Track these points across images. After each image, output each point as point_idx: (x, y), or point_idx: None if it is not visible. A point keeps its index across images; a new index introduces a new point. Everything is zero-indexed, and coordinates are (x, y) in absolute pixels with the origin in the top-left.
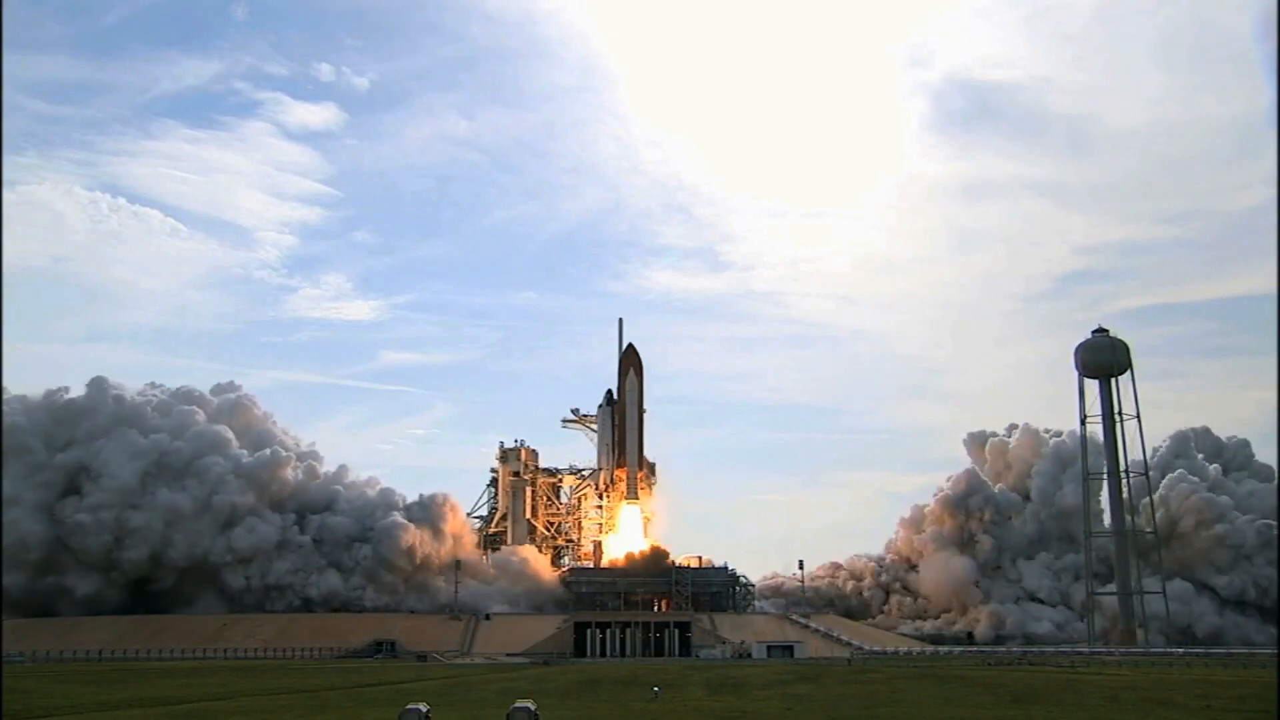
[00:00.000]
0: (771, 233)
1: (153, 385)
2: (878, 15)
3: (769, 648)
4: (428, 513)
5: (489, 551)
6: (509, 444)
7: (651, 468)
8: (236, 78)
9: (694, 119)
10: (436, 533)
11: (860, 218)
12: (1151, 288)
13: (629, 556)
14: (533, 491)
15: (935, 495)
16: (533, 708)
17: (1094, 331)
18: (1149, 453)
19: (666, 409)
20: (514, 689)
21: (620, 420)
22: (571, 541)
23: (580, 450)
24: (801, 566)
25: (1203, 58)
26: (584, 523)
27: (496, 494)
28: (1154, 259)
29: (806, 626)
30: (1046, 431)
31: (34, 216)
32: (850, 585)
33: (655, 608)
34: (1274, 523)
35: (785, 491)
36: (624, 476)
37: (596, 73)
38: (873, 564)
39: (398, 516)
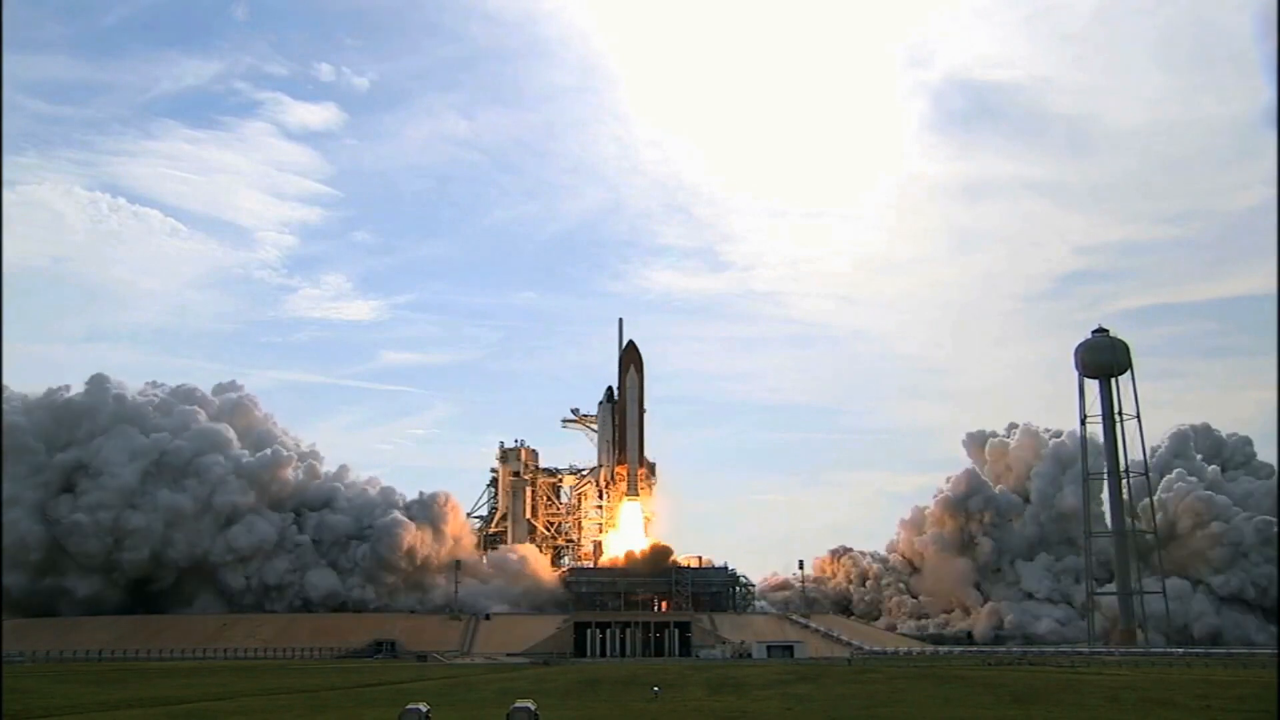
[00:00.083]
0: (771, 233)
1: (153, 385)
2: (878, 15)
3: (769, 648)
4: (428, 512)
5: (487, 551)
6: (509, 444)
7: (651, 468)
8: (236, 78)
9: (694, 119)
10: (436, 532)
11: (860, 218)
12: (1151, 288)
13: (629, 555)
14: (533, 491)
15: (935, 496)
16: (533, 708)
17: (1094, 331)
18: (1149, 452)
19: (666, 409)
20: (514, 689)
21: (621, 417)
22: (571, 541)
23: (580, 450)
24: (801, 566)
25: (1203, 58)
26: (584, 522)
27: (496, 494)
28: (1154, 259)
29: (806, 626)
30: (1046, 432)
31: (34, 216)
32: (852, 580)
33: (655, 608)
34: (1272, 519)
35: (785, 491)
36: (624, 473)
37: (596, 73)
38: (875, 565)
39: (397, 515)
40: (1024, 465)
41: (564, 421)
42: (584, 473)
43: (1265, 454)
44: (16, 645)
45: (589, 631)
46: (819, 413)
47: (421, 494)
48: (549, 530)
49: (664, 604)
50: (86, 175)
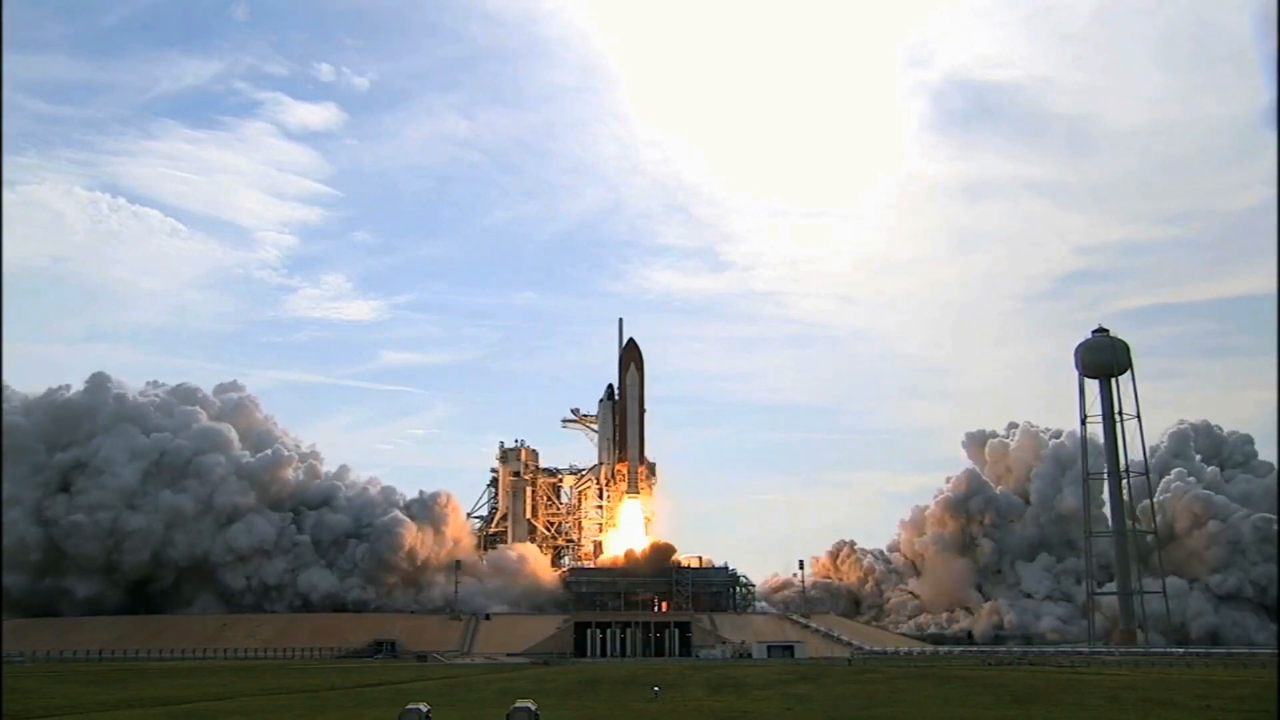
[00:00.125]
0: (771, 233)
1: (153, 384)
2: (878, 15)
3: (769, 648)
4: (428, 511)
5: (486, 551)
6: (509, 444)
7: (651, 468)
8: (236, 78)
9: (694, 119)
10: (436, 531)
11: (860, 218)
12: (1151, 288)
13: (629, 554)
14: (533, 491)
15: (936, 497)
16: (533, 708)
17: (1094, 331)
18: (1149, 452)
19: (666, 409)
20: (514, 689)
21: (621, 415)
22: (571, 541)
23: (580, 450)
24: (802, 566)
25: (1203, 58)
26: (584, 522)
27: (496, 494)
28: (1154, 259)
29: (806, 626)
30: (1045, 432)
31: (34, 216)
32: (860, 574)
33: (655, 608)
34: (1270, 517)
35: (785, 491)
36: (625, 471)
37: (596, 73)
38: (878, 565)
39: (397, 514)
40: (1024, 466)
41: (564, 421)
42: (584, 472)
43: (1266, 452)
44: (16, 645)
45: (589, 631)
46: (819, 413)
47: (422, 493)
48: (549, 530)
49: (664, 604)
50: (86, 175)
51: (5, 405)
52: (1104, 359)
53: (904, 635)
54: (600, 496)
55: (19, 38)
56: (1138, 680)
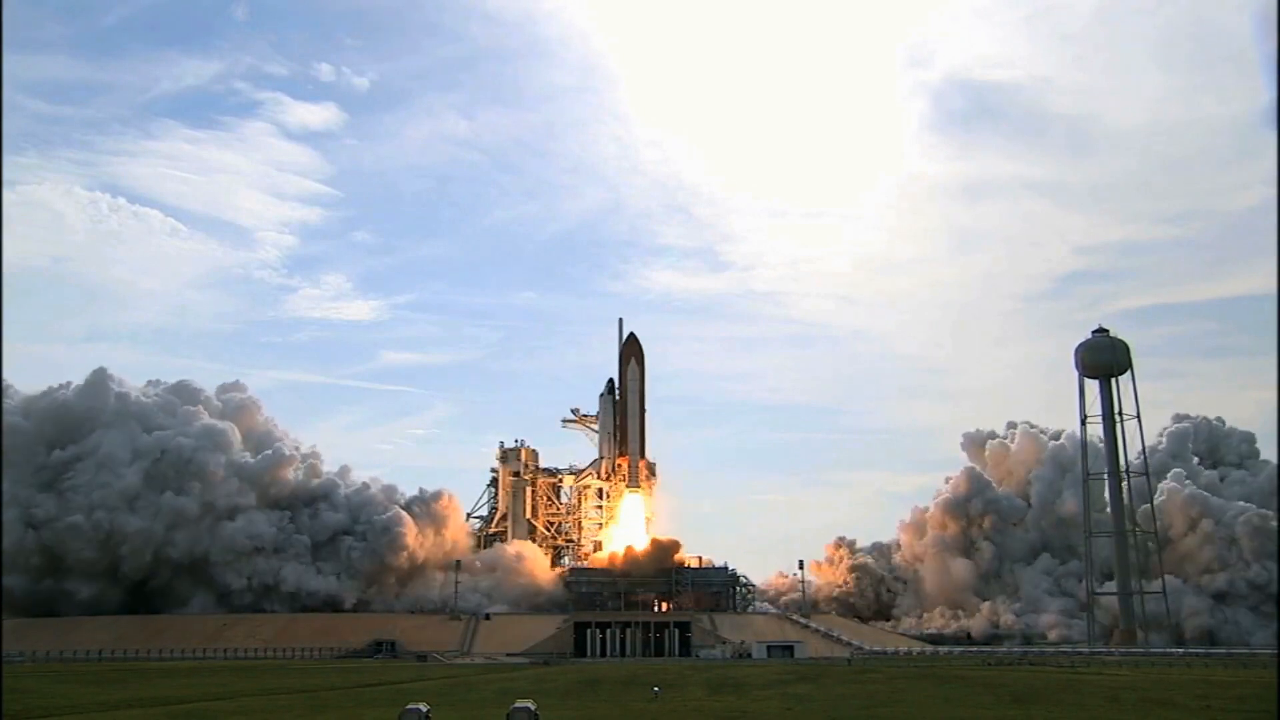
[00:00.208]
0: (771, 233)
1: (153, 383)
2: (878, 15)
3: (769, 648)
4: (427, 509)
5: (482, 549)
6: (509, 444)
7: (652, 468)
8: (236, 78)
9: (694, 119)
10: (436, 529)
11: (860, 218)
12: (1151, 288)
13: (629, 551)
14: (533, 491)
15: (935, 498)
16: (533, 708)
17: (1094, 331)
18: (1148, 450)
19: (667, 409)
20: (514, 689)
21: (622, 409)
22: (571, 541)
23: (580, 450)
24: (802, 566)
25: (1203, 58)
26: (584, 522)
27: (496, 494)
28: (1154, 259)
29: (806, 626)
30: (1044, 432)
31: (34, 216)
32: (858, 574)
33: (655, 608)
34: (1266, 513)
35: (785, 491)
36: (625, 465)
37: (596, 73)
38: (876, 565)
39: (397, 513)
40: (1024, 468)
41: (564, 421)
42: (584, 468)
43: (1267, 450)
44: (16, 645)
45: (589, 631)
46: (819, 413)
47: (422, 491)
48: (549, 530)
49: (664, 604)
50: (86, 175)
51: (5, 404)
52: (1104, 359)
53: (904, 635)
54: (600, 496)
55: (19, 38)
56: (1138, 680)
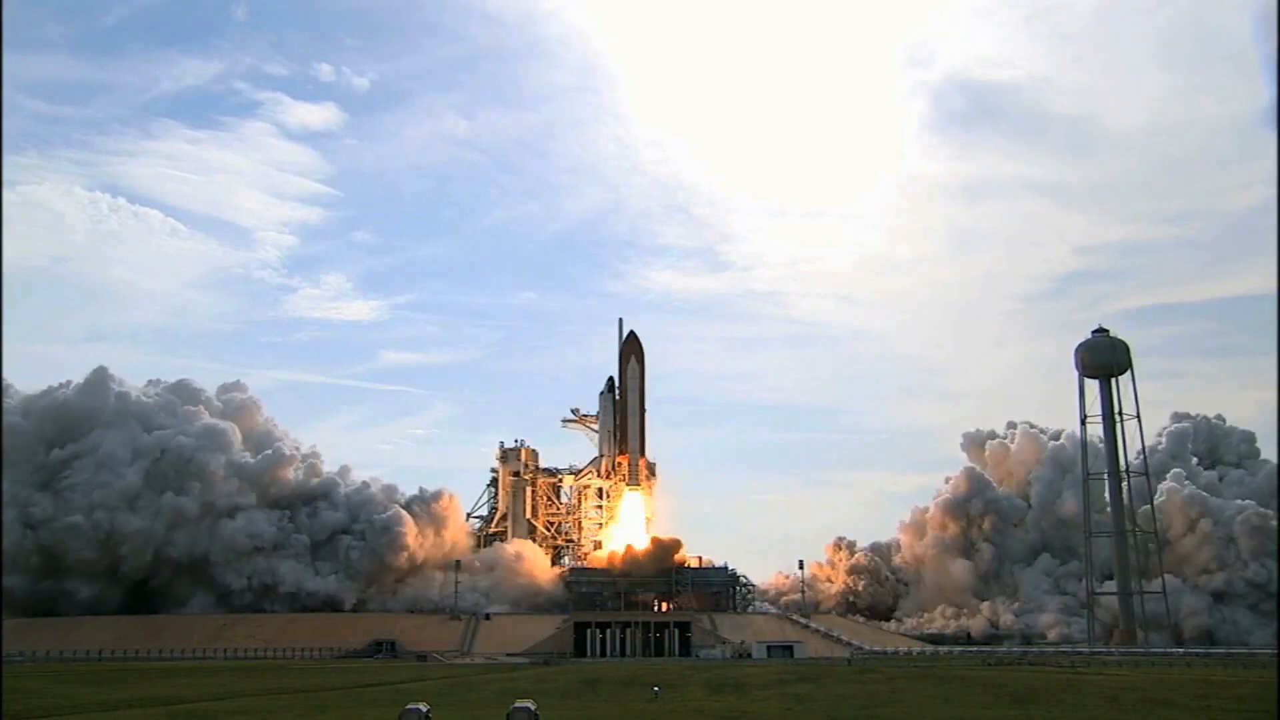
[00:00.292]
0: (771, 233)
1: (153, 383)
2: (878, 15)
3: (769, 648)
4: (427, 509)
5: (482, 549)
6: (509, 444)
7: (652, 468)
8: (236, 78)
9: (694, 119)
10: (436, 529)
11: (860, 218)
12: (1151, 288)
13: (629, 550)
14: (533, 491)
15: (935, 498)
16: (533, 708)
17: (1094, 331)
18: (1148, 450)
19: (667, 409)
20: (514, 689)
21: (622, 407)
22: (571, 541)
23: (580, 450)
24: (802, 566)
25: (1203, 58)
26: (584, 522)
27: (496, 494)
28: (1154, 259)
29: (806, 626)
30: (1044, 432)
31: (34, 216)
32: (854, 581)
33: (655, 608)
34: (1265, 512)
35: (785, 491)
36: (625, 463)
37: (596, 73)
38: (875, 565)
39: (398, 512)
40: (1024, 468)
41: (564, 421)
42: (584, 466)
43: (1267, 450)
44: (17, 645)
45: (589, 631)
46: (819, 413)
47: (422, 489)
48: (549, 530)
49: (664, 604)
50: (86, 175)
51: (5, 404)
52: (1104, 359)
53: (904, 635)
54: (600, 496)
55: (19, 38)
56: (1138, 680)
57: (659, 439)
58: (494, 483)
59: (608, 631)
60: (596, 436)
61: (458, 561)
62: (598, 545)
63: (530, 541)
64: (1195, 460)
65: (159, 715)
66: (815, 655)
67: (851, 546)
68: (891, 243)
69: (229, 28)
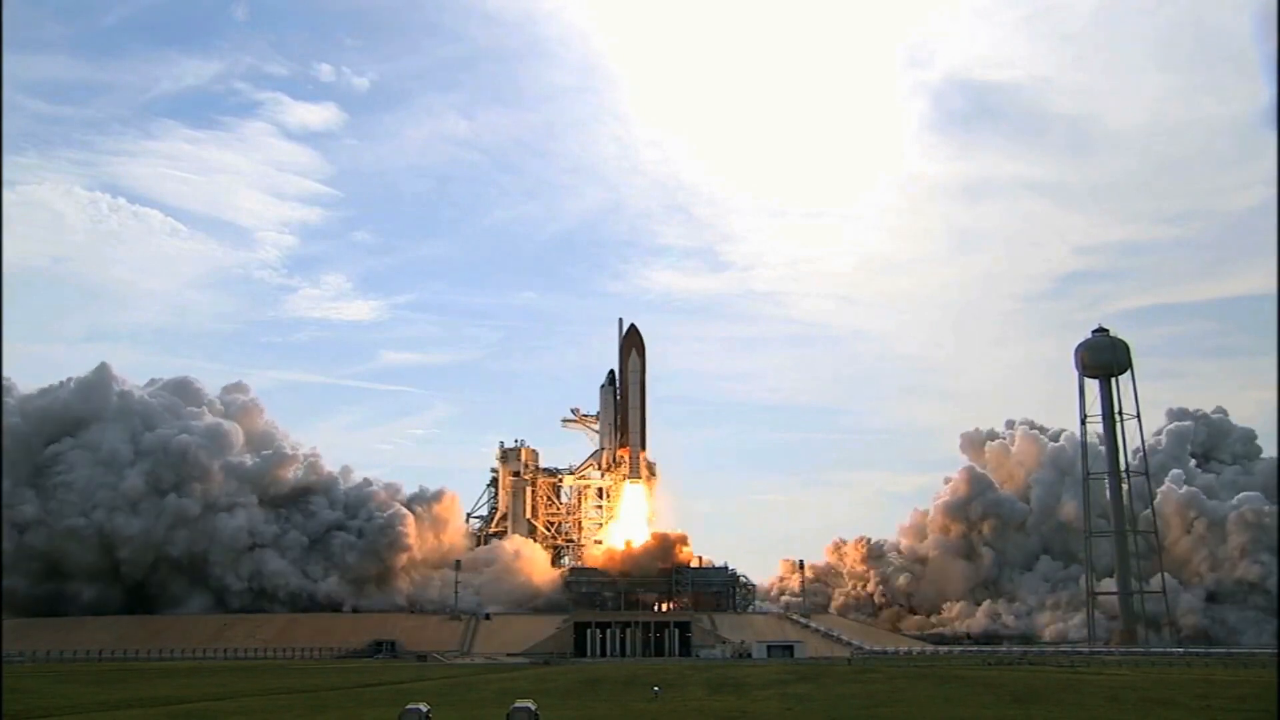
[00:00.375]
0: (771, 233)
1: (153, 382)
2: (878, 15)
3: (769, 648)
4: (428, 509)
5: (479, 547)
6: (509, 444)
7: (652, 467)
8: (236, 78)
9: (694, 119)
10: (436, 529)
11: (860, 218)
12: (1151, 288)
13: (629, 546)
14: (533, 491)
15: (935, 498)
16: (533, 708)
17: (1094, 331)
18: (1148, 450)
19: (667, 408)
20: (514, 689)
21: (623, 401)
22: (571, 541)
23: (580, 450)
24: (802, 566)
25: (1203, 58)
26: (584, 522)
27: (496, 494)
28: (1154, 259)
29: (806, 626)
30: (1044, 432)
31: (34, 216)
32: (854, 581)
33: (656, 608)
34: (1260, 508)
35: (785, 491)
36: (626, 457)
37: (596, 73)
38: (876, 565)
39: (398, 511)
40: (1024, 469)
41: (564, 421)
42: (585, 460)
43: (1267, 449)
44: (17, 645)
45: (589, 631)
46: (819, 413)
47: (423, 488)
48: (549, 530)
49: (664, 604)
50: (86, 175)
51: (5, 404)
52: (1104, 359)
53: (904, 635)
54: (601, 495)
55: (19, 38)
56: (1138, 680)
57: (659, 439)
58: (494, 483)
59: (608, 631)
60: (597, 436)
61: (458, 561)
62: (599, 543)
63: (530, 540)
64: (1193, 463)
65: (159, 715)
66: (815, 655)
67: (852, 545)
68: (891, 243)
69: (229, 28)
